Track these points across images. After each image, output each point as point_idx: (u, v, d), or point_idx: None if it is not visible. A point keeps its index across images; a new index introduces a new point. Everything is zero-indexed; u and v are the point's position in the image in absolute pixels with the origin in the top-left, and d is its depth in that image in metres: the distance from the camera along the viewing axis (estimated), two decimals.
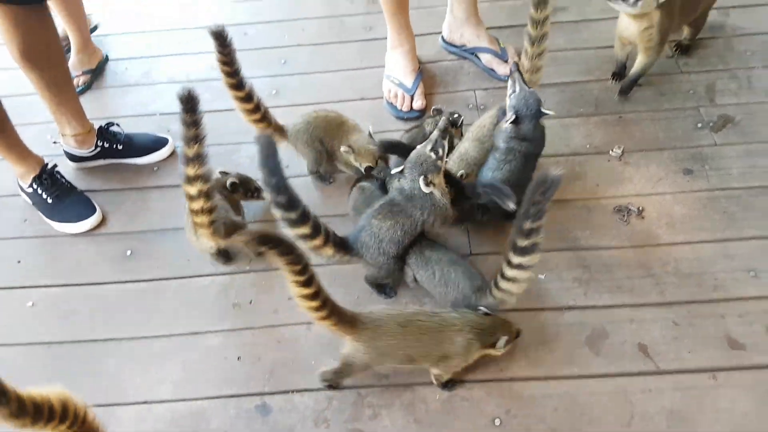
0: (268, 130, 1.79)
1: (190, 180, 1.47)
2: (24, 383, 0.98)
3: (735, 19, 2.24)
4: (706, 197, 1.74)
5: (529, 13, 1.67)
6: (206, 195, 1.49)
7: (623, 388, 1.41)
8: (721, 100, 1.98)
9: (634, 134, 1.91)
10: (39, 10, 1.70)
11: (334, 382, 1.47)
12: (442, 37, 2.29)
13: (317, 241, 1.41)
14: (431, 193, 1.43)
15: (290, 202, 1.33)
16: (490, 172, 1.63)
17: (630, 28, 1.85)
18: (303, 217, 1.36)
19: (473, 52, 2.21)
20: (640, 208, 1.72)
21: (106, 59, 2.38)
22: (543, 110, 1.59)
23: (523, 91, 1.59)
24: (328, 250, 1.45)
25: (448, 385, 1.45)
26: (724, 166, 1.80)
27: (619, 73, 2.06)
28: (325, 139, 1.79)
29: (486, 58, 2.18)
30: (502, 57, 2.15)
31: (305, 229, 1.38)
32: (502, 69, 2.13)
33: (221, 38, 1.60)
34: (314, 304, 1.24)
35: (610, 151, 1.87)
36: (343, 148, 1.72)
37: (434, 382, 1.45)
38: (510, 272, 1.31)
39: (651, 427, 1.36)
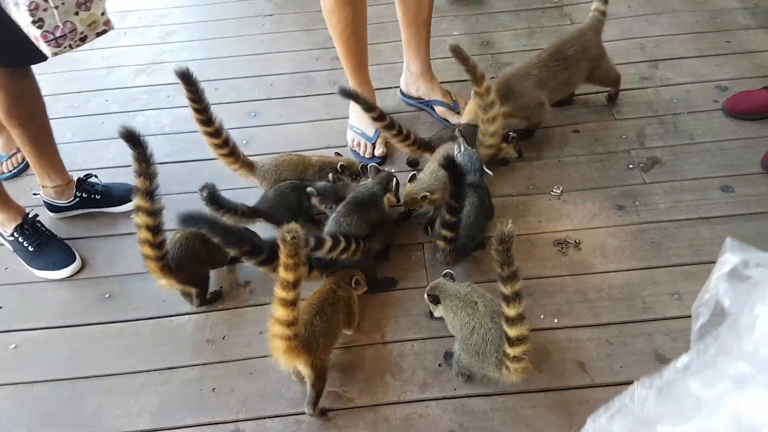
0: (236, 165, 2.03)
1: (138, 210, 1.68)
2: (9, 422, 1.12)
3: (663, 70, 2.59)
4: (636, 230, 2.01)
5: (474, 90, 2.02)
6: (153, 229, 1.69)
7: (563, 400, 1.63)
8: (650, 143, 2.29)
9: (572, 175, 2.19)
10: (23, 72, 1.92)
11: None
12: (400, 90, 2.59)
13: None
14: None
15: (255, 248, 1.63)
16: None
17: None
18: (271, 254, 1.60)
19: (428, 104, 2.51)
20: (577, 241, 1.98)
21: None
22: (485, 169, 1.92)
23: (467, 151, 1.93)
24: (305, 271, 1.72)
25: (323, 413, 1.65)
26: (652, 202, 2.09)
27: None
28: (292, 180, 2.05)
29: (440, 110, 2.47)
30: (455, 108, 2.45)
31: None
32: (455, 119, 2.42)
33: (186, 77, 1.86)
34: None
35: (551, 191, 2.14)
36: (308, 189, 1.96)
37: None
38: (512, 332, 1.42)
39: None
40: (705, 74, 2.55)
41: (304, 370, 1.58)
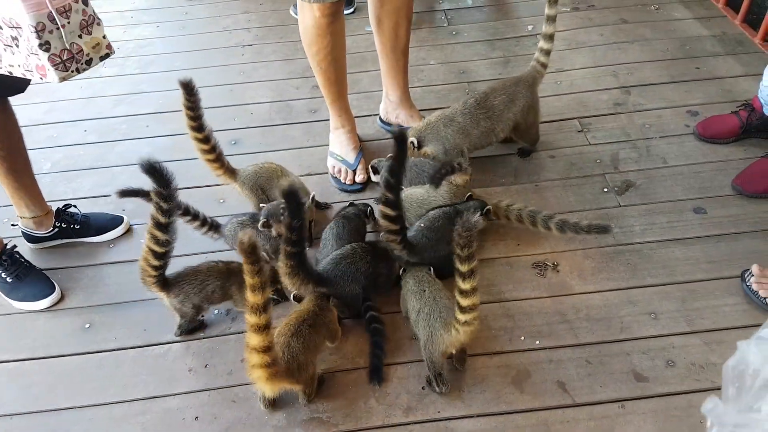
0: (221, 170, 2.17)
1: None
2: None
3: (635, 96, 2.73)
4: (612, 251, 2.10)
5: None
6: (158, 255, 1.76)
7: (544, 420, 1.69)
8: (624, 167, 2.40)
9: (549, 199, 2.29)
10: (1, 103, 1.97)
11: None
12: (380, 117, 2.69)
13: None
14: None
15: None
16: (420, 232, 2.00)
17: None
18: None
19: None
20: (555, 263, 2.07)
21: None
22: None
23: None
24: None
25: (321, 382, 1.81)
26: (627, 224, 2.19)
27: None
28: (267, 188, 2.19)
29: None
30: None
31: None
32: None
33: (189, 88, 1.99)
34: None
35: None
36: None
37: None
38: (464, 301, 1.59)
39: None
40: (676, 100, 2.69)
41: (292, 387, 1.66)
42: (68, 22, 1.64)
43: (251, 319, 1.46)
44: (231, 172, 2.20)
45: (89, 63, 1.74)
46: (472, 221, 1.47)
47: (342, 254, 1.91)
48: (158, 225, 1.71)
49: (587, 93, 2.76)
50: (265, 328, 1.48)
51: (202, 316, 2.00)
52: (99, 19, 1.75)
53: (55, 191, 2.46)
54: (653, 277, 2.02)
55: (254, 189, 2.20)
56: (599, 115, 2.64)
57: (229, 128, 2.75)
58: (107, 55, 1.78)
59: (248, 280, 1.41)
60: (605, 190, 2.32)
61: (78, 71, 1.71)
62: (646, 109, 2.66)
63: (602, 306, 1.95)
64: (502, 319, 1.93)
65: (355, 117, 2.57)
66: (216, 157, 2.15)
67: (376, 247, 1.99)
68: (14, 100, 2.00)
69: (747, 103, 2.48)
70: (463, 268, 1.53)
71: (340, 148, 2.49)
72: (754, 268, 1.92)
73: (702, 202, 2.25)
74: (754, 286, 1.89)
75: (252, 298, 1.44)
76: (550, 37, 2.28)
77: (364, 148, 2.56)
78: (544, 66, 2.34)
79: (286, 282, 1.78)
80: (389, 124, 2.66)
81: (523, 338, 1.87)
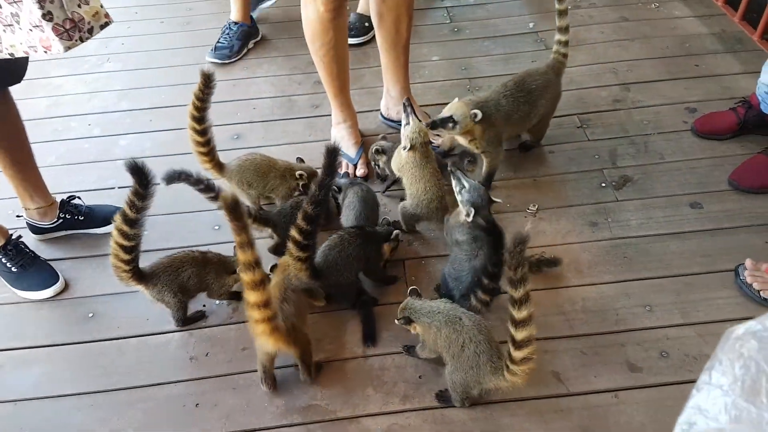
0: (210, 163, 2.21)
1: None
2: None
3: (634, 93, 2.76)
4: (609, 245, 2.13)
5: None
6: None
7: (539, 409, 1.73)
8: (621, 162, 2.43)
9: (547, 194, 2.32)
10: (1, 94, 2.00)
11: None
12: (381, 113, 2.72)
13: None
14: None
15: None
16: (467, 263, 1.85)
17: (460, 140, 2.26)
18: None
19: None
20: (553, 256, 2.10)
21: None
22: (494, 199, 1.92)
23: (471, 185, 1.87)
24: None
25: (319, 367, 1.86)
26: (624, 219, 2.22)
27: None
28: (254, 183, 2.22)
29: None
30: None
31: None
32: (436, 141, 2.55)
33: (208, 80, 2.05)
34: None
35: (527, 209, 2.27)
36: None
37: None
38: (519, 334, 1.46)
39: None
40: (675, 97, 2.72)
41: (289, 351, 1.72)
42: None
43: (246, 276, 1.50)
44: (219, 166, 2.24)
45: (91, 32, 1.75)
46: (523, 234, 1.33)
47: (330, 244, 1.93)
48: (127, 220, 1.75)
49: (587, 89, 2.78)
50: (260, 284, 1.52)
51: (204, 310, 2.04)
52: None
53: (60, 184, 2.49)
54: (649, 270, 2.05)
55: (240, 185, 2.23)
56: (598, 112, 2.67)
57: (231, 123, 2.78)
58: (107, 24, 1.80)
59: (236, 238, 1.45)
60: (603, 185, 2.35)
61: (81, 40, 1.73)
62: (644, 105, 2.69)
63: (598, 298, 1.98)
64: (499, 311, 1.94)
65: (357, 112, 2.60)
66: (208, 150, 2.18)
67: (362, 230, 2.00)
68: (18, 95, 2.04)
69: (745, 99, 2.51)
70: (517, 294, 1.40)
71: (341, 142, 2.51)
72: (748, 262, 1.95)
73: (698, 197, 2.27)
74: (748, 279, 1.92)
75: (242, 256, 1.47)
76: (565, 30, 2.32)
77: (366, 142, 2.59)
78: (565, 56, 2.37)
79: (293, 256, 1.79)
80: (391, 120, 2.69)
81: None
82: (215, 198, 2.03)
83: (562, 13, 2.29)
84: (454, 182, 1.93)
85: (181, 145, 2.64)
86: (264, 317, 1.57)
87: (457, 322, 1.65)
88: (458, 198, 1.91)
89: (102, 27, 1.81)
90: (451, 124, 2.11)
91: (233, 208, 1.40)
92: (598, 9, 3.31)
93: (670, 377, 1.77)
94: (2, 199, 2.43)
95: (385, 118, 2.71)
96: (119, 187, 2.49)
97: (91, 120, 2.87)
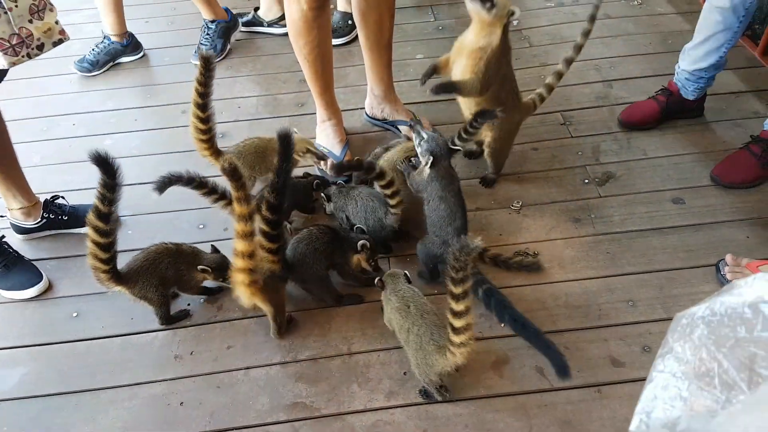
0: (209, 151, 2.20)
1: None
2: None
3: (617, 90, 2.77)
4: (592, 241, 2.14)
5: None
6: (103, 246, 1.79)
7: (522, 404, 1.73)
8: (604, 159, 2.44)
9: (531, 190, 2.33)
10: None
11: None
12: (366, 112, 2.71)
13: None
14: None
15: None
16: (450, 227, 1.90)
17: (468, 38, 2.08)
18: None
19: (393, 124, 2.63)
20: (536, 253, 2.10)
21: None
22: (453, 146, 1.96)
23: (429, 136, 1.92)
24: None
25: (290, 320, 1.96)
26: (607, 215, 2.22)
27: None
28: (255, 166, 2.23)
29: (405, 129, 2.60)
30: None
31: None
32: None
33: (208, 63, 2.03)
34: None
35: (511, 206, 2.27)
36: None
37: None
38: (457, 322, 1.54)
39: None
40: None
41: (264, 307, 1.84)
42: (16, 6, 1.63)
43: (239, 226, 1.66)
44: (217, 153, 2.22)
45: (41, 48, 1.74)
46: (471, 245, 1.42)
47: (299, 237, 1.93)
48: (101, 215, 1.73)
49: (570, 87, 2.78)
50: (249, 235, 1.67)
51: (188, 309, 2.03)
52: (52, 5, 1.75)
53: (45, 184, 2.47)
54: (632, 265, 2.06)
55: (243, 168, 2.17)
56: (581, 109, 2.68)
57: (217, 122, 2.74)
58: (60, 41, 1.79)
59: (234, 194, 1.64)
60: (586, 181, 2.36)
61: (29, 56, 1.71)
62: (628, 102, 2.68)
63: (581, 294, 1.99)
64: (482, 307, 1.96)
65: (342, 110, 2.59)
66: (208, 138, 2.17)
67: (333, 230, 1.98)
68: (3, 95, 2.02)
69: (664, 88, 2.57)
70: (457, 290, 1.50)
71: (326, 140, 2.51)
72: (728, 258, 1.96)
73: (680, 192, 2.29)
74: (728, 276, 1.93)
75: (239, 208, 1.64)
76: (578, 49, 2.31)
77: (351, 141, 2.59)
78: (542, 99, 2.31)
79: (265, 248, 1.79)
80: (375, 119, 2.68)
81: (503, 325, 1.90)
82: (210, 193, 1.96)
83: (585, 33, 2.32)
84: (414, 136, 1.98)
85: (168, 143, 2.65)
86: (246, 267, 1.70)
87: (404, 309, 1.75)
88: (418, 150, 1.96)
89: (55, 44, 1.79)
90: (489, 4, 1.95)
91: (232, 171, 1.61)
92: (582, 6, 3.31)
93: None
94: None
95: (370, 117, 2.71)
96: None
97: (76, 120, 2.84)
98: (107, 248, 1.79)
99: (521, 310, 1.93)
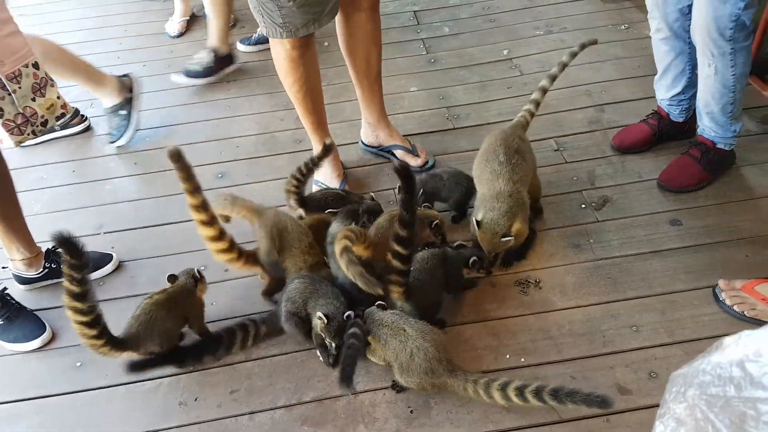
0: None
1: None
2: None
3: (609, 114, 2.76)
4: (592, 266, 2.11)
5: None
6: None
7: None
8: (600, 183, 2.42)
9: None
10: None
11: None
12: (361, 141, 2.71)
13: None
14: None
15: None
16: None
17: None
18: None
19: (388, 150, 2.63)
20: (537, 280, 2.07)
21: None
22: None
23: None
24: None
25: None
26: (606, 239, 2.20)
27: None
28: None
29: (400, 153, 2.60)
30: (413, 152, 2.58)
31: None
32: (414, 162, 2.55)
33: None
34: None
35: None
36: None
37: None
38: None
39: None
40: None
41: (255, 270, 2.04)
42: (19, 87, 1.65)
43: (197, 216, 1.80)
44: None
45: (45, 124, 1.75)
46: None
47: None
48: (75, 296, 1.66)
49: (562, 113, 2.78)
50: (210, 222, 1.82)
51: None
52: (52, 80, 1.76)
53: (45, 232, 2.44)
54: (633, 289, 2.03)
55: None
56: (575, 134, 2.67)
57: (216, 162, 2.76)
58: (63, 115, 1.81)
59: (183, 185, 1.71)
60: (583, 206, 2.34)
61: (35, 134, 1.73)
62: (620, 125, 2.68)
63: (584, 321, 1.95)
64: (487, 338, 1.92)
65: (339, 145, 2.58)
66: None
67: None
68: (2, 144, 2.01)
69: (655, 111, 2.57)
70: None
71: (324, 176, 2.50)
72: (721, 283, 1.92)
73: (678, 213, 2.26)
74: (728, 301, 1.90)
75: (192, 200, 1.75)
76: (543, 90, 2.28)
77: (348, 174, 2.58)
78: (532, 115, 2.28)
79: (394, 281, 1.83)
80: (371, 146, 2.68)
81: (508, 356, 1.87)
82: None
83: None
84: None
85: (166, 186, 2.63)
86: (221, 248, 1.89)
87: (402, 333, 1.73)
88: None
89: (58, 118, 1.81)
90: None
91: (177, 157, 1.66)
92: (570, 33, 3.33)
93: (660, 398, 1.72)
94: None
95: (366, 146, 2.70)
96: (105, 232, 2.46)
97: (75, 166, 2.84)
98: (93, 325, 1.73)
99: (525, 339, 1.92)
